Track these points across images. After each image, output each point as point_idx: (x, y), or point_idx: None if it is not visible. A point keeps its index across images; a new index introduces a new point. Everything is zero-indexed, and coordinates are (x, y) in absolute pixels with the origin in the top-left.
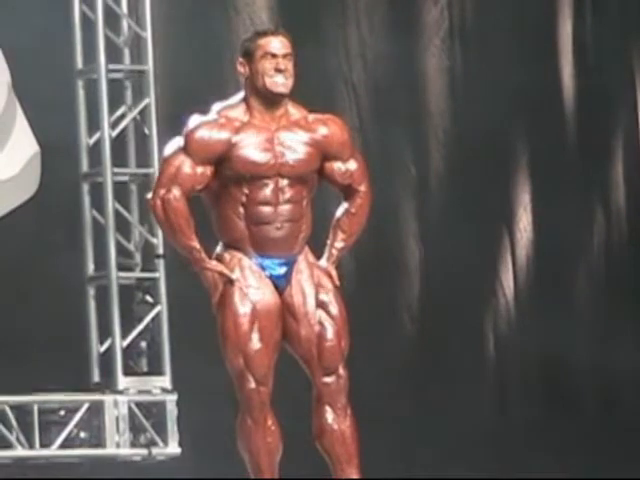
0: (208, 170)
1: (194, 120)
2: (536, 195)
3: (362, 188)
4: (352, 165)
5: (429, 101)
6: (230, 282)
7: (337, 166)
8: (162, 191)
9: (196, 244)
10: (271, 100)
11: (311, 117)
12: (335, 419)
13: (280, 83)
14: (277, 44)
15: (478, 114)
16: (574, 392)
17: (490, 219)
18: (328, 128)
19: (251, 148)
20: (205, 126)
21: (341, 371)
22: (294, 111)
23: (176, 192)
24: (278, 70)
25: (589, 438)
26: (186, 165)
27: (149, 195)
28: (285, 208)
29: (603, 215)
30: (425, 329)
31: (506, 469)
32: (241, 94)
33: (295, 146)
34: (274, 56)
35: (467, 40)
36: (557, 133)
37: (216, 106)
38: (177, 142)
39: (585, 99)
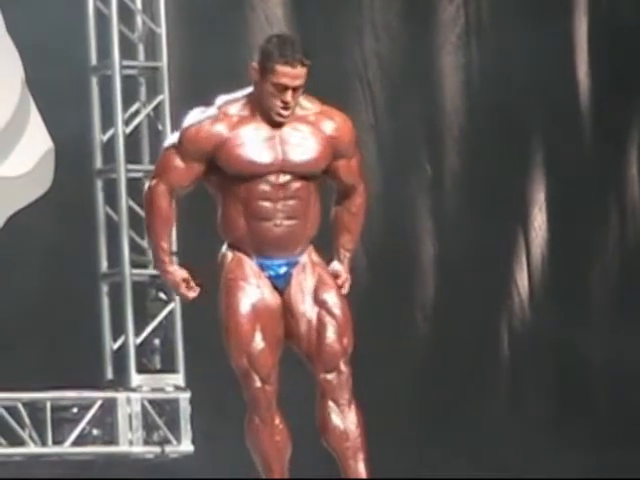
0: (197, 167)
1: (191, 115)
2: (551, 194)
3: (361, 186)
4: (354, 163)
5: (444, 99)
6: (231, 280)
7: (343, 164)
8: (153, 182)
9: (163, 244)
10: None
11: (318, 112)
12: (339, 415)
13: (282, 114)
14: (293, 76)
15: (493, 112)
16: (589, 391)
17: (505, 218)
18: (336, 125)
19: (249, 145)
20: (199, 122)
21: (342, 367)
22: (306, 104)
23: (162, 187)
24: (284, 102)
25: (604, 436)
26: (175, 160)
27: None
28: (286, 204)
29: (618, 214)
30: (439, 328)
31: (520, 469)
32: (249, 89)
33: (300, 143)
34: (286, 88)
35: (483, 37)
36: (572, 131)
37: (219, 99)
38: (172, 138)
39: (601, 98)
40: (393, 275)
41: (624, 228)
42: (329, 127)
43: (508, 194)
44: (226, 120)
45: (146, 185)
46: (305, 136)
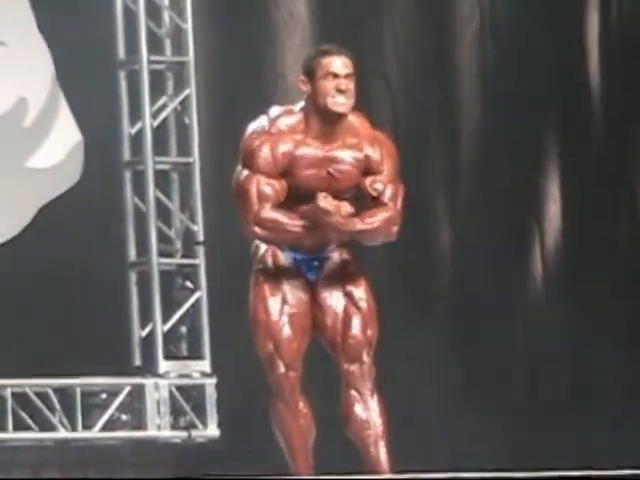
0: (283, 181)
1: (253, 136)
2: (565, 187)
3: (394, 211)
4: (386, 185)
5: (460, 94)
6: (262, 271)
7: (369, 180)
8: (251, 217)
9: (300, 222)
10: (330, 119)
11: (366, 137)
12: (361, 405)
13: (341, 103)
14: (339, 64)
15: (509, 107)
16: (604, 381)
17: (519, 210)
18: (373, 150)
19: (309, 167)
20: (267, 142)
21: (365, 358)
22: (355, 126)
23: (265, 207)
24: (339, 90)
25: (617, 424)
26: (263, 184)
27: (246, 232)
28: None
29: (631, 206)
30: (455, 318)
31: (537, 456)
32: (301, 104)
33: (344, 168)
34: (336, 76)
35: (497, 35)
36: (586, 126)
37: (273, 111)
38: (242, 170)
39: (614, 94)
40: (409, 266)
41: (637, 220)
42: (367, 149)
43: (522, 187)
44: (288, 137)
45: (249, 228)
46: (349, 159)
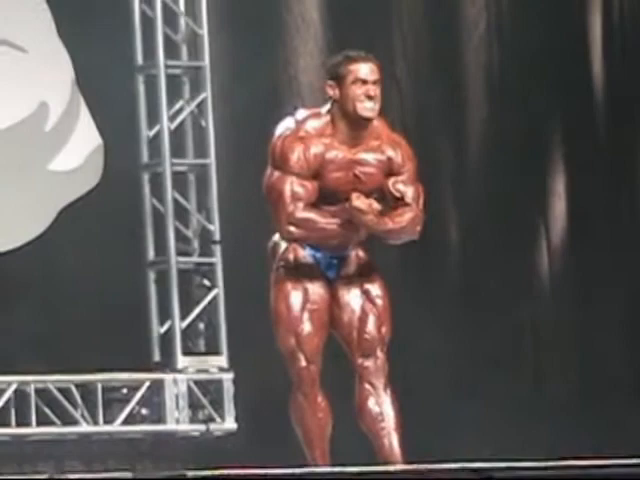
0: (315, 182)
1: (282, 138)
2: (570, 184)
3: (416, 211)
4: (409, 188)
5: (467, 94)
6: (283, 268)
7: (391, 180)
8: (284, 217)
9: (334, 220)
10: (358, 123)
11: (386, 141)
12: (374, 399)
13: (369, 108)
14: (367, 71)
15: (515, 107)
16: (609, 377)
17: (525, 207)
18: (395, 152)
19: (337, 170)
20: (299, 144)
21: (379, 353)
22: (377, 128)
23: (299, 207)
24: (368, 96)
25: (623, 421)
26: (296, 185)
27: (280, 232)
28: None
29: (633, 203)
30: (462, 314)
31: (542, 451)
32: (327, 106)
33: (369, 170)
34: (365, 82)
35: (503, 37)
36: (590, 125)
37: (300, 114)
38: (273, 172)
39: (617, 93)
40: (418, 262)
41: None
42: (389, 151)
43: (528, 184)
44: (320, 141)
45: (283, 228)
46: (372, 162)
